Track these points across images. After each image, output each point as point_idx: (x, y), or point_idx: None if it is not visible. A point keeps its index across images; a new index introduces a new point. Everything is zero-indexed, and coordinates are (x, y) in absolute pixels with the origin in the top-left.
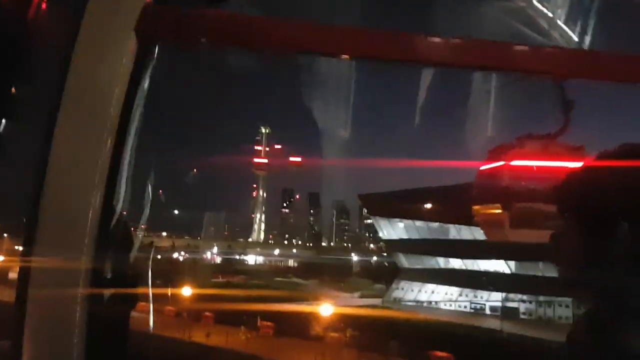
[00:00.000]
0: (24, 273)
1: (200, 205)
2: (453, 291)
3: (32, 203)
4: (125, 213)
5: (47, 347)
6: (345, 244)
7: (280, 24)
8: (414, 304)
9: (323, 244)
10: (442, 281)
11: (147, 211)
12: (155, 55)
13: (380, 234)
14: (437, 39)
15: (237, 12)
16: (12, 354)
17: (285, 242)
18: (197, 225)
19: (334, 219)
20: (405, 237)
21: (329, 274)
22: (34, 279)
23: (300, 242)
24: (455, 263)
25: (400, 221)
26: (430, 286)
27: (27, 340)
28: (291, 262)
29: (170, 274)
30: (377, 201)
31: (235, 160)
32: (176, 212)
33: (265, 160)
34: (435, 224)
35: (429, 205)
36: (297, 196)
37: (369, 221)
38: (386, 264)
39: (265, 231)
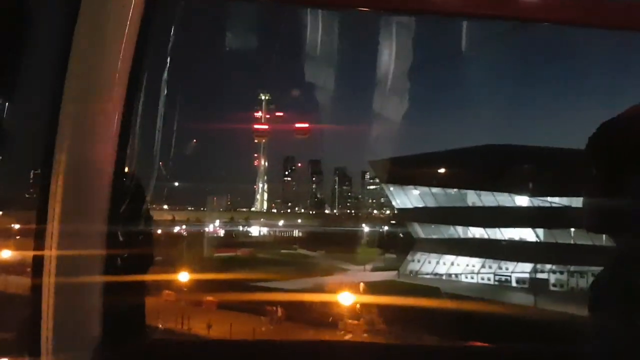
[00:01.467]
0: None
1: (201, 176)
2: (474, 262)
3: (44, 175)
4: (135, 183)
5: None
6: (348, 211)
7: None
8: (432, 276)
9: (326, 211)
10: (462, 252)
11: (150, 183)
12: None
13: (393, 202)
14: None
15: None
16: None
17: (289, 210)
18: (198, 197)
19: (336, 186)
20: (420, 205)
21: (336, 244)
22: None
23: (303, 210)
24: (477, 232)
25: (415, 188)
26: (449, 257)
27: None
28: (296, 232)
29: (170, 250)
30: (389, 167)
31: (235, 128)
32: (176, 184)
33: (266, 127)
34: (454, 190)
35: (446, 170)
36: (299, 164)
37: (372, 187)
38: (397, 234)
39: (267, 200)
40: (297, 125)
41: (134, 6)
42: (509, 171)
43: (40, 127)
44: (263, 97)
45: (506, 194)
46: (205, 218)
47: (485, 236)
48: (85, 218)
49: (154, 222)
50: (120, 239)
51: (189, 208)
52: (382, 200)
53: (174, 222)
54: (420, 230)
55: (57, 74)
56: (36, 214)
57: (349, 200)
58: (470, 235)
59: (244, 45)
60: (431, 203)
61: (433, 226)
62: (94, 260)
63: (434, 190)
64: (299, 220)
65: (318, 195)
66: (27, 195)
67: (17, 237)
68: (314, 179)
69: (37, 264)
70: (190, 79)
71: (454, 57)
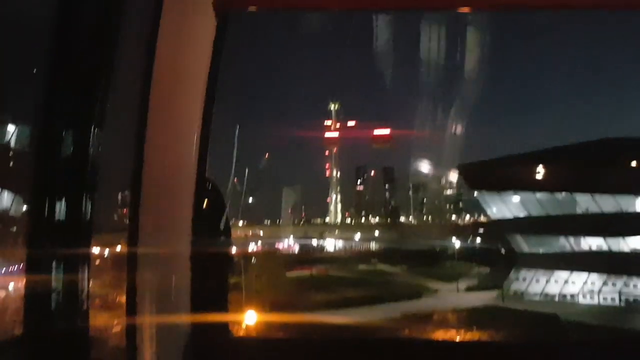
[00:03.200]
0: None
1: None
2: (594, 279)
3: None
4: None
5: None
6: (425, 219)
7: None
8: (543, 298)
9: (401, 219)
10: (577, 267)
11: (227, 201)
12: (232, 28)
13: (488, 211)
14: None
15: None
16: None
17: (362, 219)
18: (271, 212)
19: (410, 193)
20: (522, 213)
21: (418, 258)
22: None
23: (378, 219)
24: (594, 243)
25: (515, 194)
26: (562, 274)
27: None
28: (373, 245)
29: (238, 278)
30: (481, 171)
31: (307, 140)
32: (250, 199)
33: (336, 134)
34: (562, 195)
35: (552, 171)
36: (372, 172)
37: (449, 192)
38: (492, 246)
39: (341, 211)
40: (377, 132)
41: (208, 42)
42: (631, 168)
43: (128, 156)
44: (333, 107)
45: (630, 196)
46: (279, 233)
47: (605, 247)
48: (169, 237)
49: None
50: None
51: (266, 222)
52: (466, 206)
53: (247, 240)
54: (523, 243)
55: (140, 108)
56: (128, 233)
57: (426, 207)
58: (586, 247)
59: (315, 55)
60: (536, 210)
61: (539, 237)
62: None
63: (539, 195)
64: (376, 232)
65: (392, 204)
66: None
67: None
68: (387, 186)
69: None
70: (262, 93)
71: (543, 49)
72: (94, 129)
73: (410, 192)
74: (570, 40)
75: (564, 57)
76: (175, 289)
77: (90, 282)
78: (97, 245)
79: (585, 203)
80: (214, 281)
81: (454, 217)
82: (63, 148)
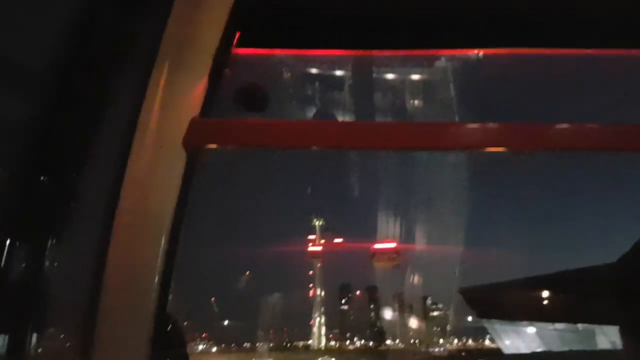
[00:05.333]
0: None
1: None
2: None
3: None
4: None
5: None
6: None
7: (320, 125)
8: None
9: (388, 341)
10: None
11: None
12: (203, 163)
13: (500, 344)
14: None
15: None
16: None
17: (347, 342)
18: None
19: (396, 312)
20: (541, 348)
21: None
22: None
23: (363, 342)
24: None
25: (531, 325)
26: None
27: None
28: None
29: None
30: (489, 296)
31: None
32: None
33: (320, 248)
34: (592, 328)
35: (574, 298)
36: (358, 292)
37: (435, 313)
38: None
39: (325, 334)
40: (378, 246)
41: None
42: None
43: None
44: (317, 223)
45: None
46: (256, 358)
47: None
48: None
49: None
50: None
51: (245, 345)
52: (498, 343)
53: None
54: None
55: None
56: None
57: (412, 330)
58: None
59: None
60: (558, 345)
61: None
62: None
63: (559, 327)
64: None
65: (377, 325)
66: None
67: None
68: (372, 306)
69: None
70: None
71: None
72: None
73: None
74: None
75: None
76: None
77: None
78: None
79: (615, 336)
80: None
81: (436, 336)
82: None
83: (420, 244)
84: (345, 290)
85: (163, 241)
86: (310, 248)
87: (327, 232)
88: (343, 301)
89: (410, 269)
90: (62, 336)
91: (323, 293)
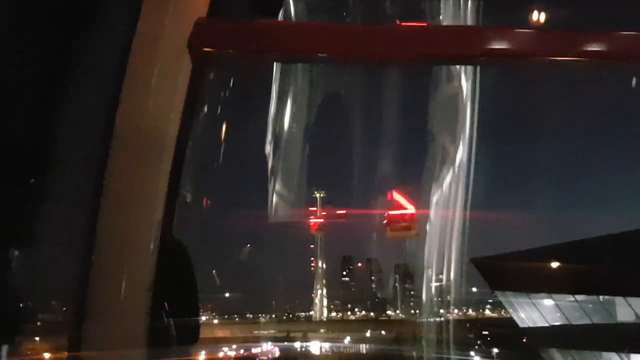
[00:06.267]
0: None
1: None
2: None
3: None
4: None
5: None
6: (412, 311)
7: (333, 29)
8: None
9: (389, 312)
10: None
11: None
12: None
13: (515, 317)
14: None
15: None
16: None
17: (349, 312)
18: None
19: (396, 284)
20: (559, 321)
21: None
22: None
23: (364, 312)
24: None
25: (548, 297)
26: None
27: None
28: (363, 348)
29: None
30: (504, 267)
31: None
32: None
33: (321, 220)
34: (616, 299)
35: (600, 268)
36: (360, 264)
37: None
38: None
39: (327, 305)
40: (393, 212)
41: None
42: None
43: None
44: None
45: None
46: (259, 329)
47: None
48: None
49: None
50: None
51: (248, 316)
52: (511, 316)
53: (219, 345)
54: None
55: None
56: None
57: (412, 299)
58: None
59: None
60: (578, 318)
61: (582, 353)
62: None
63: (581, 298)
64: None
65: (379, 295)
66: None
67: None
68: (372, 278)
69: None
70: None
71: None
72: None
73: (397, 283)
74: None
75: None
76: None
77: None
78: None
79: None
80: None
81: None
82: None
83: (439, 212)
84: (346, 262)
85: (163, 165)
86: (312, 220)
87: (329, 204)
88: (344, 273)
89: (430, 240)
90: (63, 308)
91: (324, 266)
